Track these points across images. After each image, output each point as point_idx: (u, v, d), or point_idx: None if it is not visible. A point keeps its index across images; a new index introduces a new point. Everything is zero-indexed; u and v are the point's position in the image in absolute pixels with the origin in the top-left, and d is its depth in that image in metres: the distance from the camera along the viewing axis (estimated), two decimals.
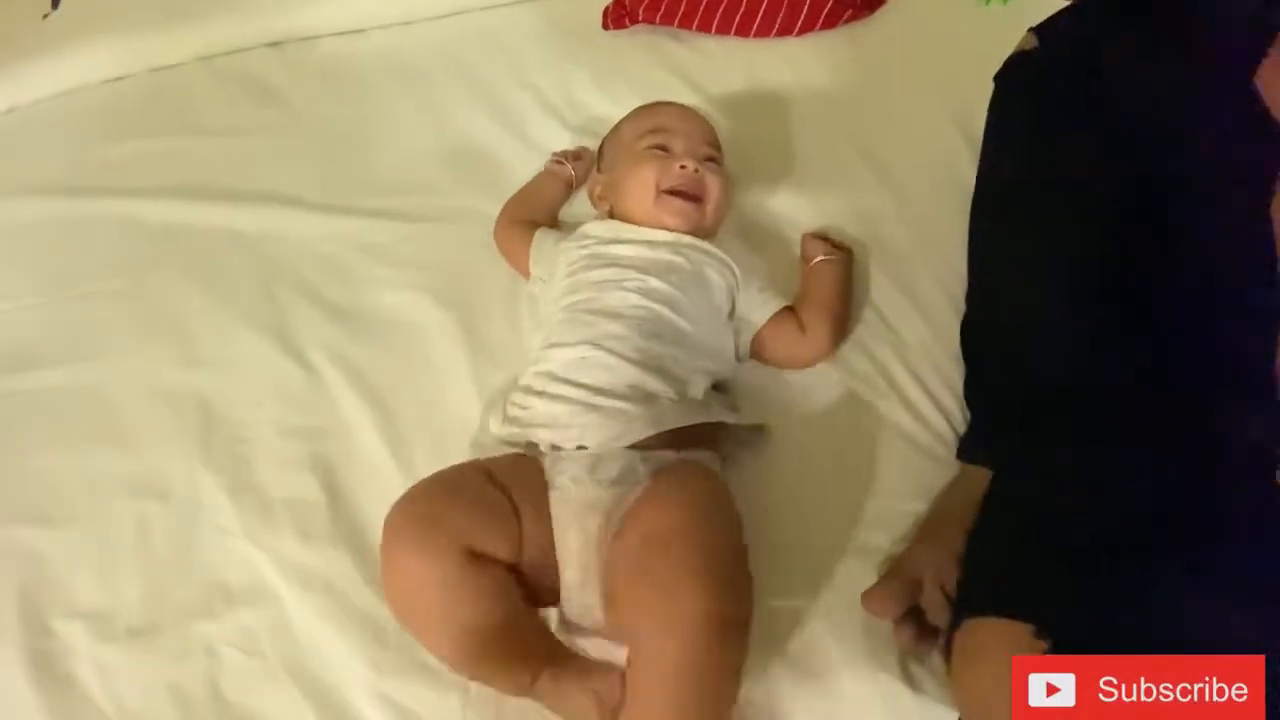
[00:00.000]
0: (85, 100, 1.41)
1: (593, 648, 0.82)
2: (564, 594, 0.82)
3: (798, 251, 1.07)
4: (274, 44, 1.44)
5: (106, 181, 1.28)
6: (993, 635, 0.69)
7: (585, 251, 1.00)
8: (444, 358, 1.04)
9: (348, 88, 1.37)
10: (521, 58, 1.35)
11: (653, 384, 0.88)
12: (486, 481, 0.84)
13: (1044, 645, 0.65)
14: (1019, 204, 0.91)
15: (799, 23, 1.30)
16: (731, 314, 0.98)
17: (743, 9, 1.30)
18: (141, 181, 1.27)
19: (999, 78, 0.95)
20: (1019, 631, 0.66)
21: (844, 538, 0.88)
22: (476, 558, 0.79)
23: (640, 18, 1.33)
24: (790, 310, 0.99)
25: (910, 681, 0.79)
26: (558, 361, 0.91)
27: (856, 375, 0.98)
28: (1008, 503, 0.81)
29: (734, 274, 0.99)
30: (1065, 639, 0.65)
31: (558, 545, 0.82)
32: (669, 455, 0.85)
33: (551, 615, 0.83)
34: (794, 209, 1.12)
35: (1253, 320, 0.77)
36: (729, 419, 0.89)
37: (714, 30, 1.32)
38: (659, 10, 1.32)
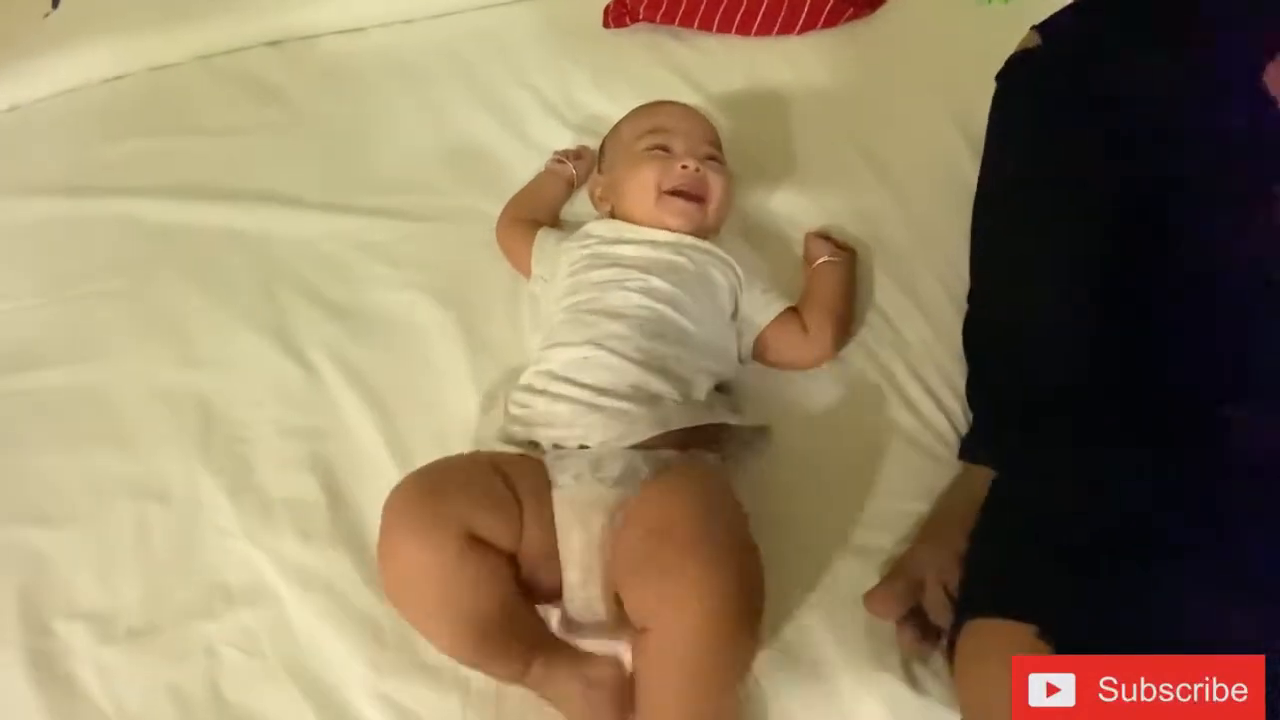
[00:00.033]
0: (85, 99, 1.41)
1: (594, 647, 0.81)
2: (566, 592, 0.82)
3: (798, 251, 1.07)
4: (273, 43, 1.43)
5: (106, 181, 1.28)
6: (995, 636, 0.68)
7: (587, 251, 1.00)
8: (444, 357, 1.04)
9: (347, 87, 1.36)
10: (521, 57, 1.35)
11: (656, 384, 0.88)
12: (490, 470, 0.83)
13: (1047, 647, 0.65)
14: (1021, 202, 0.91)
15: (800, 22, 1.30)
16: (734, 315, 0.98)
17: (743, 8, 1.30)
18: (141, 181, 1.27)
19: (1001, 76, 0.95)
20: (1022, 633, 0.66)
21: (846, 538, 0.88)
22: (477, 544, 0.78)
23: (641, 16, 1.33)
24: (794, 311, 0.99)
25: (913, 682, 0.79)
26: (559, 361, 0.91)
27: (858, 375, 0.98)
28: (1008, 503, 0.81)
29: (737, 274, 0.98)
30: (1065, 639, 0.65)
31: (560, 544, 0.81)
32: (671, 455, 0.84)
33: (552, 615, 0.83)
34: (794, 208, 1.12)
35: (1253, 320, 0.77)
36: (732, 420, 0.89)
37: (715, 29, 1.31)
38: (660, 9, 1.31)
